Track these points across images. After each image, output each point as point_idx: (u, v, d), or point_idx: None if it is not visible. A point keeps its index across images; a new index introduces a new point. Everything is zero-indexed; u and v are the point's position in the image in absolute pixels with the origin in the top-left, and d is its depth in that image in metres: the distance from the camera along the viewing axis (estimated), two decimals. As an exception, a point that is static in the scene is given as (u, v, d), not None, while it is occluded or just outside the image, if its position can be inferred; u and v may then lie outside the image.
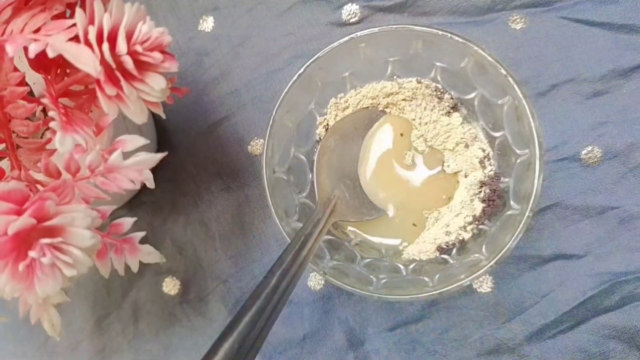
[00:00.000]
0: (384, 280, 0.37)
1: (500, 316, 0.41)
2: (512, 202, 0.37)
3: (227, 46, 0.48)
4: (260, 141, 0.47)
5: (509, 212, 0.36)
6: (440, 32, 0.36)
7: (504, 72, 0.35)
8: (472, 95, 0.39)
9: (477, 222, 0.39)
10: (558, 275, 0.41)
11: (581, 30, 0.43)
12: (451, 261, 0.38)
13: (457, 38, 0.36)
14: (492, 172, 0.39)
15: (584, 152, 0.42)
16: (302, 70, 0.38)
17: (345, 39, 0.38)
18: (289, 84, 0.38)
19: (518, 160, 0.36)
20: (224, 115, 0.47)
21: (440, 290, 0.35)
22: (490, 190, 0.39)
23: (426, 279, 0.37)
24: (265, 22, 0.48)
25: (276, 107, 0.38)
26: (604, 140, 0.41)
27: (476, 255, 0.37)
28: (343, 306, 0.44)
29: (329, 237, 0.40)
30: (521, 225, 0.34)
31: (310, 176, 0.42)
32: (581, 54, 0.42)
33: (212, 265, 0.46)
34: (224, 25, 0.49)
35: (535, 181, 0.34)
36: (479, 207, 0.39)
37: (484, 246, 0.37)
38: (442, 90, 0.41)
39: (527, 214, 0.34)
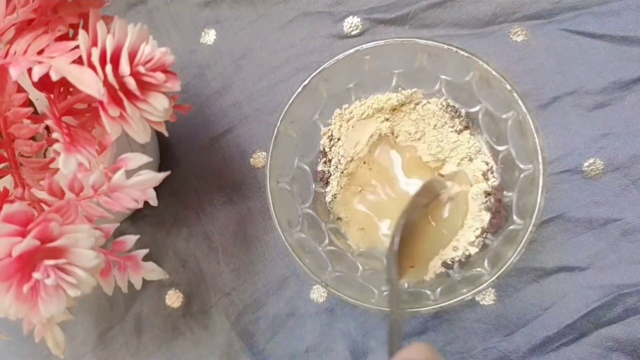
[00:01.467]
0: (386, 293, 0.38)
1: (503, 329, 0.41)
2: (515, 217, 0.37)
3: (228, 59, 0.48)
4: (262, 154, 0.47)
5: (511, 227, 0.36)
6: (445, 46, 0.36)
7: (508, 87, 0.35)
8: (477, 108, 0.40)
9: (484, 235, 0.39)
10: (561, 288, 0.41)
11: (582, 42, 0.43)
12: (454, 275, 0.39)
13: (462, 52, 0.36)
14: (495, 183, 0.39)
15: (586, 164, 0.42)
16: (307, 81, 0.38)
17: (351, 51, 0.38)
18: (294, 95, 0.38)
19: (522, 175, 0.37)
20: (226, 128, 0.48)
21: (442, 305, 0.35)
22: (495, 199, 0.39)
23: (428, 292, 0.37)
24: (267, 34, 0.48)
25: (280, 117, 0.38)
26: (605, 152, 0.41)
27: (478, 269, 0.37)
28: (346, 318, 0.44)
29: (332, 247, 0.40)
30: (524, 241, 0.34)
31: (314, 186, 0.42)
32: (582, 66, 0.42)
33: (215, 278, 0.46)
34: (225, 38, 0.49)
35: (539, 197, 0.34)
36: (486, 217, 0.39)
37: (486, 260, 0.37)
38: (455, 108, 0.41)
39: (529, 229, 0.34)
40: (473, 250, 0.39)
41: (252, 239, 0.46)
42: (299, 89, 0.38)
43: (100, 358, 0.47)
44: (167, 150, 0.48)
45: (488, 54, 0.44)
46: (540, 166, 0.34)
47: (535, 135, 0.34)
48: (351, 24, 0.46)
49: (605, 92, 0.42)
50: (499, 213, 0.39)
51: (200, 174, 0.48)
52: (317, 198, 0.42)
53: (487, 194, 0.39)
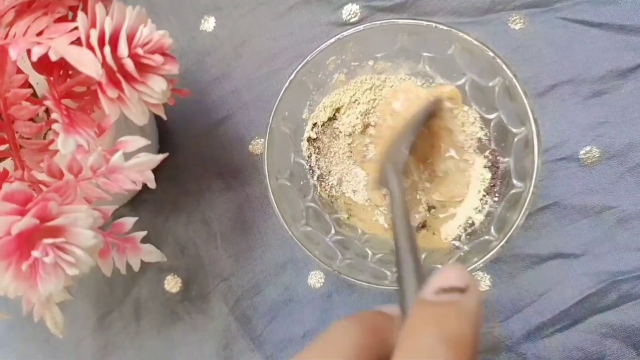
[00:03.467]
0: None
1: (497, 314, 0.42)
2: (514, 181, 0.37)
3: (228, 46, 0.49)
4: (261, 140, 0.47)
5: (513, 191, 0.37)
6: (425, 23, 0.37)
7: (491, 54, 0.36)
8: (462, 80, 0.40)
9: (487, 196, 0.39)
10: (555, 274, 0.41)
11: (580, 30, 0.43)
12: (462, 247, 0.39)
13: (441, 26, 0.36)
14: (483, 135, 0.40)
15: (582, 152, 0.42)
16: (292, 75, 0.38)
17: (332, 40, 0.38)
18: (282, 91, 0.38)
19: (515, 139, 0.37)
20: (225, 115, 0.48)
21: None
22: (493, 156, 0.39)
23: (439, 266, 0.37)
24: (266, 22, 0.48)
25: (272, 114, 0.38)
26: (602, 140, 0.42)
27: (485, 237, 0.37)
28: (343, 304, 0.44)
29: (339, 237, 0.40)
30: (527, 202, 0.34)
31: (312, 180, 0.42)
32: (580, 54, 0.43)
33: (213, 264, 0.47)
34: (225, 25, 0.49)
35: (536, 157, 0.34)
36: (487, 176, 0.39)
37: (492, 227, 0.37)
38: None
39: (531, 189, 0.34)
40: (478, 218, 0.39)
41: (251, 225, 0.47)
42: (286, 84, 0.38)
43: (99, 342, 0.48)
44: (166, 137, 0.49)
45: (486, 42, 0.44)
46: (533, 126, 0.34)
47: (523, 97, 0.35)
48: (350, 11, 0.46)
49: (603, 81, 0.42)
50: (497, 169, 0.39)
51: (199, 161, 0.48)
52: (317, 191, 0.43)
53: (479, 143, 0.40)
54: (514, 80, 0.35)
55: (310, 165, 0.42)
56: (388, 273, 0.38)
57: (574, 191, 0.42)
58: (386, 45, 0.40)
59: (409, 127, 0.38)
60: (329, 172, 0.43)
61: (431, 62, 0.40)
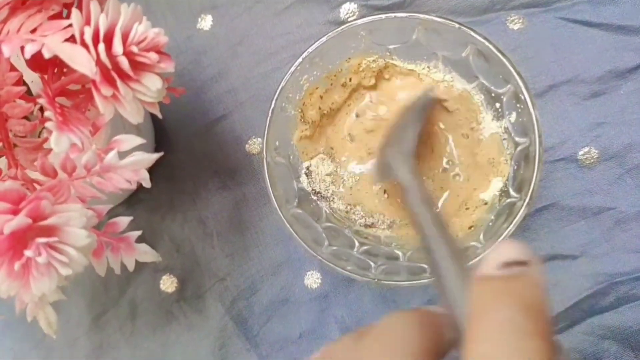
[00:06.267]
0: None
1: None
2: (517, 138, 0.37)
3: (225, 45, 0.48)
4: (258, 140, 0.47)
5: (519, 148, 0.36)
6: (383, 16, 0.37)
7: (456, 25, 0.35)
8: (434, 61, 0.40)
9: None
10: (554, 276, 0.41)
11: (579, 31, 0.43)
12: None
13: (400, 14, 0.37)
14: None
15: (581, 152, 0.42)
16: (273, 104, 0.38)
17: (300, 60, 0.38)
18: (267, 123, 0.38)
19: (504, 99, 0.37)
20: (221, 114, 0.48)
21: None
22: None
23: (474, 242, 0.37)
24: (264, 21, 0.48)
25: (264, 149, 0.38)
26: (601, 141, 0.41)
27: (508, 200, 0.37)
28: (339, 305, 0.44)
29: (365, 247, 0.40)
30: (537, 159, 0.34)
31: (320, 203, 0.42)
32: (579, 54, 0.42)
33: (209, 263, 0.46)
34: (222, 23, 0.49)
35: (530, 107, 0.34)
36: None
37: (510, 189, 0.37)
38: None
39: (537, 140, 0.34)
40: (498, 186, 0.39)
41: (247, 225, 0.46)
42: (269, 115, 0.38)
43: (94, 342, 0.47)
44: (162, 136, 0.48)
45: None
46: (519, 80, 0.34)
47: (499, 55, 0.34)
48: (348, 10, 0.46)
49: (601, 81, 0.42)
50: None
51: (195, 160, 0.48)
52: (330, 212, 0.42)
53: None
54: (485, 42, 0.35)
55: (312, 189, 0.42)
56: (425, 266, 0.37)
57: (572, 192, 0.41)
58: (351, 48, 0.40)
59: (408, 116, 0.37)
60: (332, 191, 0.43)
61: (399, 52, 0.40)
